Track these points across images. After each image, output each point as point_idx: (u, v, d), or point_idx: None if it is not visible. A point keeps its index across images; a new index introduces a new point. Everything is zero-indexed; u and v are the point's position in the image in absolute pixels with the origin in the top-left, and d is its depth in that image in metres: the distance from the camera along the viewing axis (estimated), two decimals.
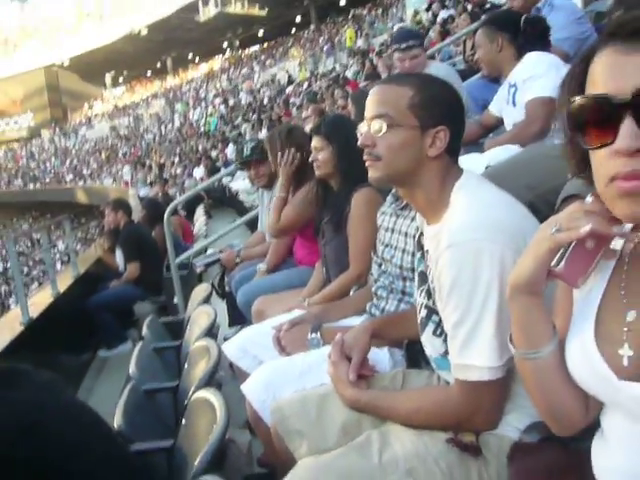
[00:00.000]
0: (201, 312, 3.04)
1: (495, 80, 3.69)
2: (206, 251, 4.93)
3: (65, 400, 1.89)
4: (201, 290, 3.57)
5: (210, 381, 2.21)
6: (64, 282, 5.07)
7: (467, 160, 2.46)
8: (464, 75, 4.04)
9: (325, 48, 23.68)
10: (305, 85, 18.71)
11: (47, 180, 34.10)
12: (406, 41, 3.13)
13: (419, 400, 1.20)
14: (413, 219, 1.66)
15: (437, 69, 3.19)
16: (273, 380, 1.56)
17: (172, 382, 2.77)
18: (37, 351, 3.82)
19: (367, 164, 1.26)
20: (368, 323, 1.49)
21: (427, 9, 17.50)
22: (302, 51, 27.28)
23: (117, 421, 2.21)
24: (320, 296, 2.22)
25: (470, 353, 1.06)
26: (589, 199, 0.79)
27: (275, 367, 1.62)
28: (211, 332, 2.88)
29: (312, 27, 32.28)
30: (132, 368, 2.77)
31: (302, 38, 32.07)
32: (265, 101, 21.43)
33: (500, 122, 2.70)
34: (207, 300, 3.41)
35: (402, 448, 1.12)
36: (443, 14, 14.69)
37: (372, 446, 1.14)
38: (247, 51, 38.08)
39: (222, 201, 10.88)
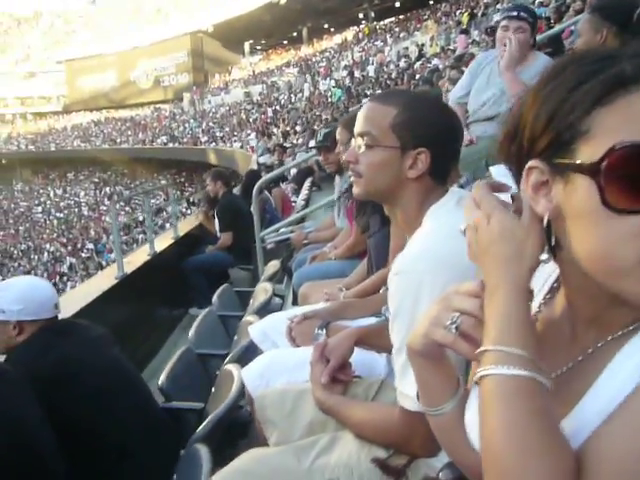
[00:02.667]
0: (261, 288, 3.21)
1: None
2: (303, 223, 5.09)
3: (107, 357, 2.13)
4: (271, 266, 3.75)
5: (242, 356, 2.37)
6: (164, 242, 5.51)
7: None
8: None
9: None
10: (434, 61, 18.18)
11: (185, 140, 36.45)
12: (517, 10, 2.78)
13: (369, 413, 1.23)
14: None
15: (545, 61, 2.75)
16: (270, 368, 1.65)
17: (225, 350, 2.98)
18: (129, 303, 4.23)
19: (352, 179, 1.29)
20: (354, 329, 1.53)
21: None
22: (436, 25, 26.40)
23: (161, 379, 2.45)
24: (354, 291, 2.27)
25: (405, 382, 1.07)
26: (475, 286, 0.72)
27: (274, 356, 1.72)
28: (267, 308, 3.04)
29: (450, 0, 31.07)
30: (191, 331, 3.01)
31: (439, 11, 30.99)
32: (393, 75, 21.17)
33: None
34: (274, 276, 3.58)
35: (338, 457, 1.17)
36: None
37: (312, 450, 1.20)
38: (382, 23, 37.57)
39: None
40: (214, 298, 3.53)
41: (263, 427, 1.46)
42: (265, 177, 4.89)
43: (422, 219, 1.19)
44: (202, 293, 5.42)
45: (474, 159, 2.55)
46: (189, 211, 25.06)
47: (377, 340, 1.54)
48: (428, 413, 0.85)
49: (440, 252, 1.06)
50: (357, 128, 1.26)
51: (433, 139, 1.20)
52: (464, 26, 20.25)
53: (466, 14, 21.35)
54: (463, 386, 0.85)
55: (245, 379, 1.66)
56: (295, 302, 3.57)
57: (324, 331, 1.77)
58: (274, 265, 3.72)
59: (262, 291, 3.13)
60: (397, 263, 1.09)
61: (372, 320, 1.89)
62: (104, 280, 4.11)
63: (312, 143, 4.75)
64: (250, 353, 2.42)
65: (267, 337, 2.02)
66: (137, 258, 4.90)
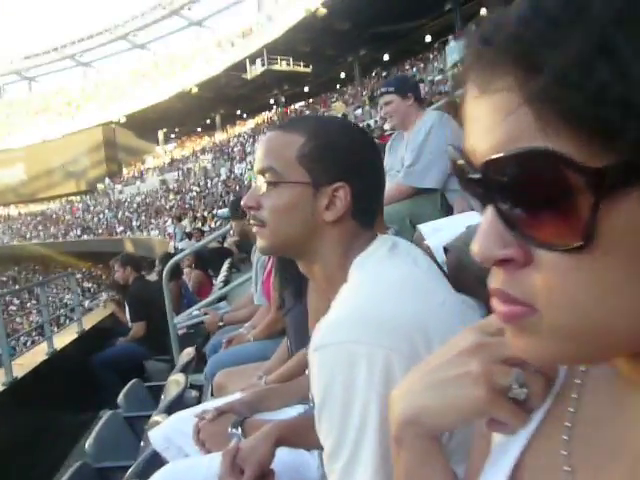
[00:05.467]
0: (173, 381, 2.83)
1: None
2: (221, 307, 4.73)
3: None
4: (185, 354, 3.37)
5: (146, 469, 1.97)
6: (67, 338, 4.97)
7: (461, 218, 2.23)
8: None
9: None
10: None
11: (100, 231, 35.37)
12: (384, 87, 2.97)
13: None
14: None
15: (430, 117, 2.75)
16: None
17: (133, 460, 2.53)
18: (23, 412, 3.67)
19: (254, 230, 1.03)
20: (273, 426, 1.22)
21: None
22: (345, 106, 27.74)
23: None
24: (277, 375, 1.97)
25: None
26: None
27: (176, 471, 1.37)
28: (181, 403, 2.65)
29: (355, 83, 32.96)
30: (88, 442, 2.56)
31: (346, 93, 32.72)
32: None
33: None
34: (188, 365, 3.19)
35: None
36: None
37: None
38: (293, 107, 39.03)
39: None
40: (120, 397, 3.09)
41: None
42: (172, 260, 4.54)
43: (347, 274, 0.94)
44: (113, 391, 4.87)
45: (399, 217, 2.42)
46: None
47: (305, 435, 1.22)
48: None
49: (374, 313, 0.80)
50: (257, 165, 1.00)
51: (352, 170, 0.96)
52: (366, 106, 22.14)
53: (338, 105, 24.07)
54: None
55: None
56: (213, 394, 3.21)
57: (239, 429, 1.44)
58: (188, 353, 3.34)
59: (174, 384, 2.74)
60: (317, 334, 0.82)
61: (300, 408, 1.59)
62: None
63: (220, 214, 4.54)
64: (157, 463, 2.03)
65: (172, 443, 1.66)
66: (32, 359, 4.33)
